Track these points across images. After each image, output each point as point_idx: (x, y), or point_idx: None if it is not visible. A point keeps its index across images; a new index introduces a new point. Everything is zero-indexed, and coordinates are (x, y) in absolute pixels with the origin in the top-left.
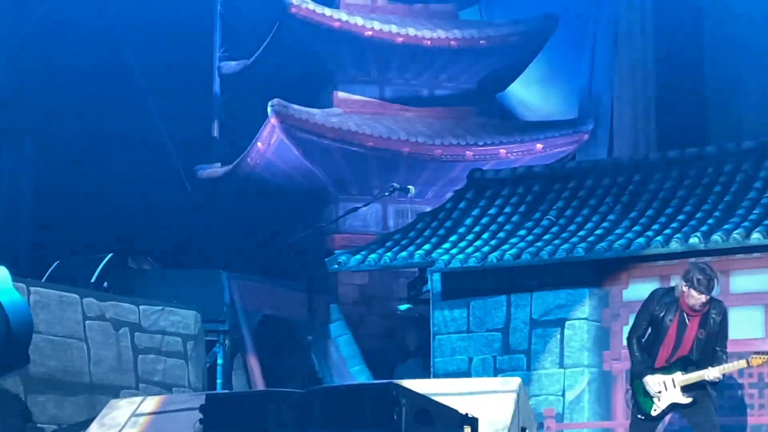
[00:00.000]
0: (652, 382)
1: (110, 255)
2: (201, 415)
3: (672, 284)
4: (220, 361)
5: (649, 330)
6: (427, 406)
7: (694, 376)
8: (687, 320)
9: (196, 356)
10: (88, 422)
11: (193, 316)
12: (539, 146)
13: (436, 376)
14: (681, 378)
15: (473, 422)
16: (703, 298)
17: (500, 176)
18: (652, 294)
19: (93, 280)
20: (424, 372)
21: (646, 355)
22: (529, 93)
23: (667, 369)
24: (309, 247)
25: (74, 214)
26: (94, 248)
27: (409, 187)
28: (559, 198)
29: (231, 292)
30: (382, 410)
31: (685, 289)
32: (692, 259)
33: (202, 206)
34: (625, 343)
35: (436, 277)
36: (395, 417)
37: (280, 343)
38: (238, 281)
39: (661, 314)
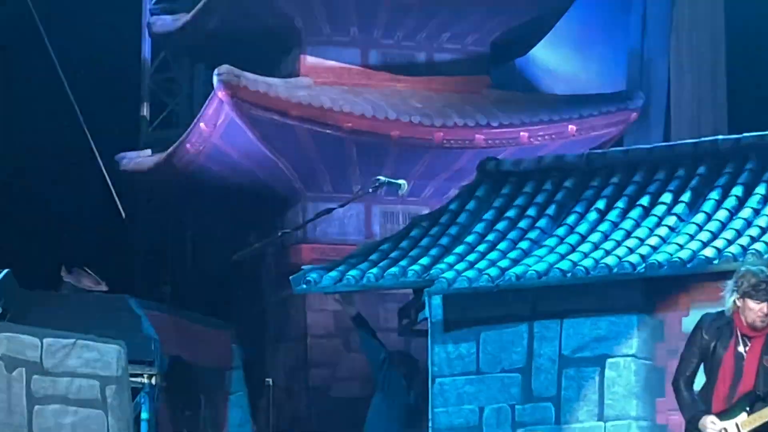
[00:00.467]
0: (711, 428)
1: (4, 271)
2: None
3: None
4: (144, 415)
5: (701, 367)
6: None
7: (763, 414)
8: (746, 344)
9: (118, 405)
10: None
11: (114, 352)
12: (572, 128)
13: (438, 431)
14: (746, 420)
15: None
16: (764, 308)
17: (521, 168)
18: (700, 321)
19: None
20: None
21: (701, 399)
22: (560, 58)
23: (728, 413)
24: (267, 261)
25: None
26: None
27: (400, 181)
28: (599, 196)
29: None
30: None
31: (738, 302)
32: None
33: (124, 208)
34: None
35: (437, 300)
36: None
37: (188, 394)
38: (146, 311)
39: (713, 344)
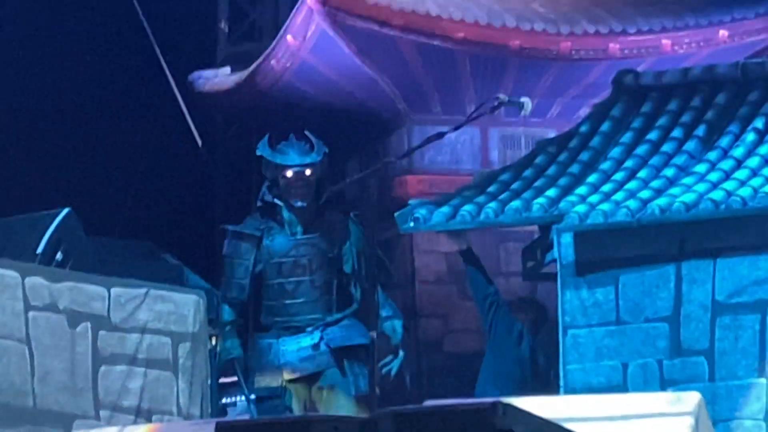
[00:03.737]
0: None
1: (65, 211)
2: None
3: None
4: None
5: None
6: None
7: None
8: None
9: (193, 366)
10: None
11: (192, 304)
12: (724, 33)
13: (572, 391)
14: None
15: None
16: None
17: (664, 81)
18: None
19: (40, 249)
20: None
21: None
22: None
23: None
24: (367, 195)
25: (15, 152)
26: (43, 202)
27: (522, 100)
28: (758, 113)
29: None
30: None
31: None
32: None
33: (201, 135)
34: None
35: (567, 238)
36: None
37: None
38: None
39: None
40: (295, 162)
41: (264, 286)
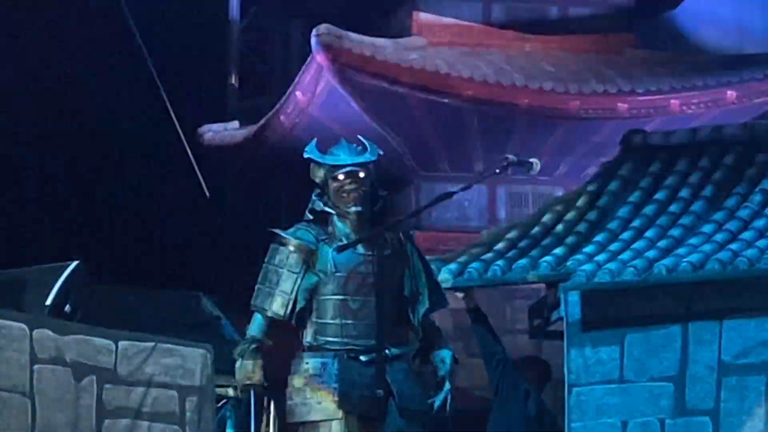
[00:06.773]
0: None
1: (75, 263)
2: None
3: None
4: None
5: None
6: None
7: None
8: None
9: (199, 420)
10: None
11: (199, 358)
12: (732, 94)
13: None
14: None
15: None
16: None
17: (672, 141)
18: None
19: (49, 302)
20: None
21: None
22: (720, 8)
23: None
24: None
25: (24, 205)
26: (52, 254)
27: (531, 160)
28: (765, 175)
29: None
30: None
31: None
32: None
33: (209, 188)
34: None
35: (574, 297)
36: None
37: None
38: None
39: None
40: (347, 162)
41: (318, 302)
